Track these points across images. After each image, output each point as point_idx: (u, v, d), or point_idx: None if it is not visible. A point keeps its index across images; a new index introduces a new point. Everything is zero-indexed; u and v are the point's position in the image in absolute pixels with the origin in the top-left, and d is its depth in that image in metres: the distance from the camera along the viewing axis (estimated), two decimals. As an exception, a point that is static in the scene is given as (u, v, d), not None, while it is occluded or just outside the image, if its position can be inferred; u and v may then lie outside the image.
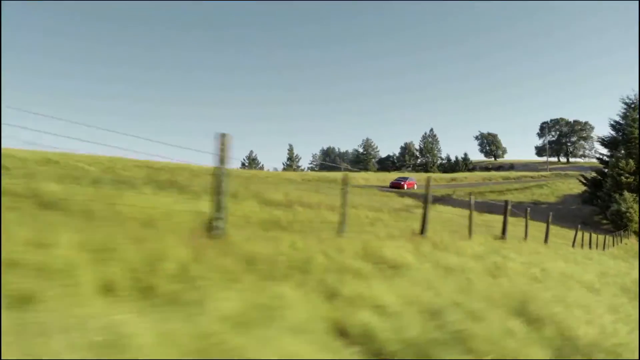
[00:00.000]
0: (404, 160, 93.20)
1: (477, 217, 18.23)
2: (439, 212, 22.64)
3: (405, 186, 38.08)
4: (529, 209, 11.93)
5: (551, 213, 13.82)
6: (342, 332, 2.35)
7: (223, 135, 4.19)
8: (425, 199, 7.26)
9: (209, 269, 3.26)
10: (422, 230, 7.07)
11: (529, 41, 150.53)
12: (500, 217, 19.67)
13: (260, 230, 5.53)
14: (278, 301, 2.78)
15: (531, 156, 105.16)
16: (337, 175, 48.21)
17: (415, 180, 40.62)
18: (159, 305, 2.52)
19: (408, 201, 27.32)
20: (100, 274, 2.68)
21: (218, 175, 4.14)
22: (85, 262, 2.75)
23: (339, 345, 2.13)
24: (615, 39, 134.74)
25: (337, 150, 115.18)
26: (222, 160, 4.16)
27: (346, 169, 70.62)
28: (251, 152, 72.42)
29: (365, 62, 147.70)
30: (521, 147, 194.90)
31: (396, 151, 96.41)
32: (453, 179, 53.05)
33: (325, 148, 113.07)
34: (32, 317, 2.00)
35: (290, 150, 76.46)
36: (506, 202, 10.20)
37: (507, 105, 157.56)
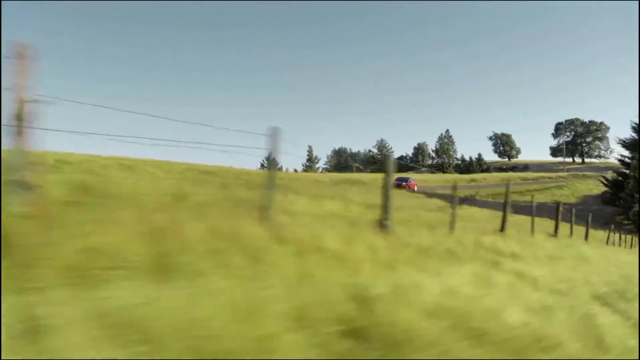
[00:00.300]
0: (417, 160, 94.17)
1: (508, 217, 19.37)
2: (471, 212, 23.86)
3: (407, 187, 37.71)
4: (574, 209, 13.12)
5: (590, 214, 14.99)
6: (540, 287, 3.69)
7: (389, 157, 5.56)
8: (505, 204, 8.52)
9: (404, 253, 4.62)
10: (502, 228, 8.36)
11: (539, 41, 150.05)
12: (527, 217, 20.79)
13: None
14: (477, 272, 4.11)
15: (545, 156, 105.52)
16: (362, 176, 49.51)
17: (415, 181, 40.59)
18: (412, 272, 3.86)
19: (438, 202, 28.47)
20: (359, 255, 4.04)
21: (385, 186, 5.50)
22: (346, 247, 4.11)
23: (554, 294, 3.45)
24: (633, 38, 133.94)
25: (348, 150, 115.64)
26: (387, 174, 5.52)
27: (358, 170, 71.85)
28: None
29: (370, 63, 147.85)
30: (532, 146, 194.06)
31: (408, 151, 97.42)
32: (473, 180, 54.10)
33: (336, 148, 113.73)
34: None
35: (310, 151, 78.13)
36: (558, 204, 11.42)
37: (518, 106, 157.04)
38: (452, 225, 6.96)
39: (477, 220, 17.16)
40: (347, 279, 2.94)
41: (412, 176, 46.24)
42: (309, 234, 4.14)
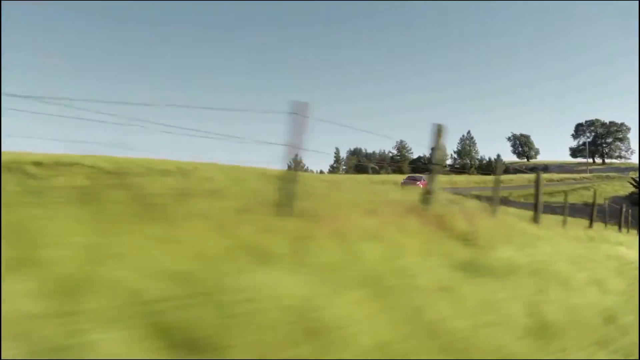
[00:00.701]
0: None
1: (547, 217, 21.67)
2: (519, 213, 26.03)
3: (421, 185, 37.25)
4: (630, 210, 15.27)
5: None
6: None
7: (539, 174, 7.93)
8: (593, 206, 10.79)
9: (567, 237, 6.98)
10: (591, 225, 10.65)
11: (552, 40, 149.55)
12: (567, 217, 23.01)
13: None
14: (626, 248, 6.45)
15: (563, 157, 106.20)
16: (395, 177, 51.58)
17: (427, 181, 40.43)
18: (604, 247, 6.22)
19: (479, 203, 30.50)
20: (555, 237, 6.41)
21: (537, 193, 7.87)
22: (544, 233, 6.48)
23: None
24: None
25: (364, 151, 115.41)
26: (539, 185, 7.88)
27: (374, 171, 73.79)
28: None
29: (374, 63, 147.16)
30: (548, 146, 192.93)
31: (420, 151, 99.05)
32: (500, 182, 55.83)
33: (352, 149, 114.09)
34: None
35: (337, 153, 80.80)
36: (621, 206, 13.61)
37: (534, 105, 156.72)
38: (564, 222, 9.30)
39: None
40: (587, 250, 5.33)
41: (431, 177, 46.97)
42: (518, 225, 6.53)
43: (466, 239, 4.05)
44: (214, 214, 2.80)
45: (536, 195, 7.86)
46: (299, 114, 3.35)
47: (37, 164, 5.30)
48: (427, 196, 4.75)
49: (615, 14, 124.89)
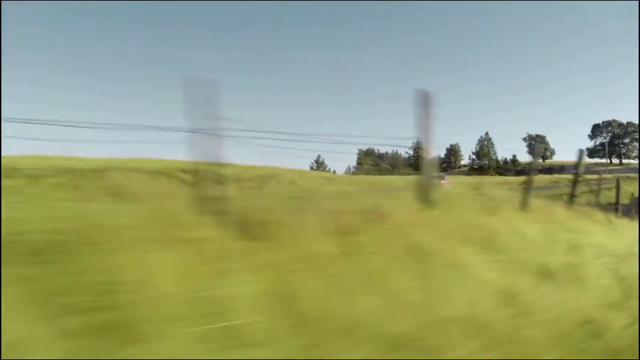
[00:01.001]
0: (450, 161, 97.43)
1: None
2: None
3: (445, 184, 38.74)
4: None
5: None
6: None
7: (619, 180, 9.98)
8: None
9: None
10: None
11: (561, 41, 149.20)
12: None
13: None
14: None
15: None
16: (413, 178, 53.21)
17: (449, 179, 42.72)
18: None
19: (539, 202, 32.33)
20: None
21: (617, 190, 9.92)
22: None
23: None
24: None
25: (377, 151, 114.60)
26: (619, 189, 9.92)
27: (387, 171, 75.35)
28: (319, 156, 78.58)
29: (377, 64, 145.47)
30: (561, 146, 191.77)
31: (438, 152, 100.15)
32: (524, 182, 57.27)
33: (364, 149, 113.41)
34: None
35: (359, 154, 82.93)
36: (667, 204, 15.52)
37: (548, 105, 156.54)
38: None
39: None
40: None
41: (451, 178, 49.13)
42: (614, 218, 8.58)
43: (608, 225, 6.15)
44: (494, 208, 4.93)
45: (617, 195, 9.91)
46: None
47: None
48: (572, 197, 6.85)
49: (617, 15, 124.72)
